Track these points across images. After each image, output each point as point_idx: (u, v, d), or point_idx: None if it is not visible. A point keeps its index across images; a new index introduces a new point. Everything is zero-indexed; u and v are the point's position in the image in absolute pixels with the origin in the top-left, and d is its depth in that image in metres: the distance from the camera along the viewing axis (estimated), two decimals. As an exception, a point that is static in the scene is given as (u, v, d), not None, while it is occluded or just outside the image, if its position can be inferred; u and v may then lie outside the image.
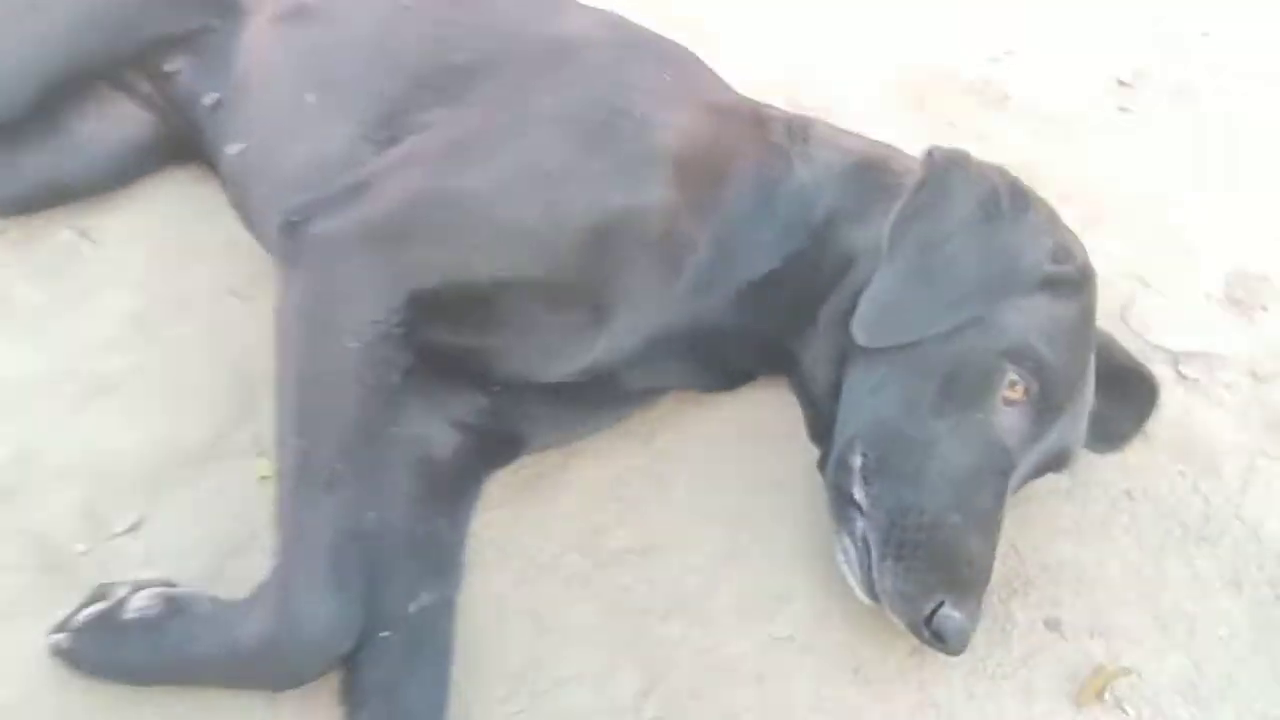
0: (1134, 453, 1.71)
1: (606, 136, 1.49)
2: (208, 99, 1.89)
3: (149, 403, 1.68)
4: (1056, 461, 1.55)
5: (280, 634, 1.27)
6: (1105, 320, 1.81)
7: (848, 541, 1.46)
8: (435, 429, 1.57)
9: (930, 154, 1.54)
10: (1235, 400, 1.85)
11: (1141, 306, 2.00)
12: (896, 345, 1.46)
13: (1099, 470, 1.69)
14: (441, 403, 1.59)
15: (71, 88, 1.89)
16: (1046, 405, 1.45)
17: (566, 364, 1.55)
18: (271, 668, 1.30)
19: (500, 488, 1.64)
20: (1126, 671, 1.45)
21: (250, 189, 1.81)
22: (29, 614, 1.37)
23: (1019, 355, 1.43)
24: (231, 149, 1.83)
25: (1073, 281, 1.49)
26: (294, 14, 1.82)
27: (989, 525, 1.40)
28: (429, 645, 1.39)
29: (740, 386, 1.79)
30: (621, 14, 1.79)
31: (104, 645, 1.33)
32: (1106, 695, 1.43)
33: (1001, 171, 1.54)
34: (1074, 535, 1.61)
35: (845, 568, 1.46)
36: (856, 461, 1.47)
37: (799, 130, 1.63)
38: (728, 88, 1.80)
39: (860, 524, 1.44)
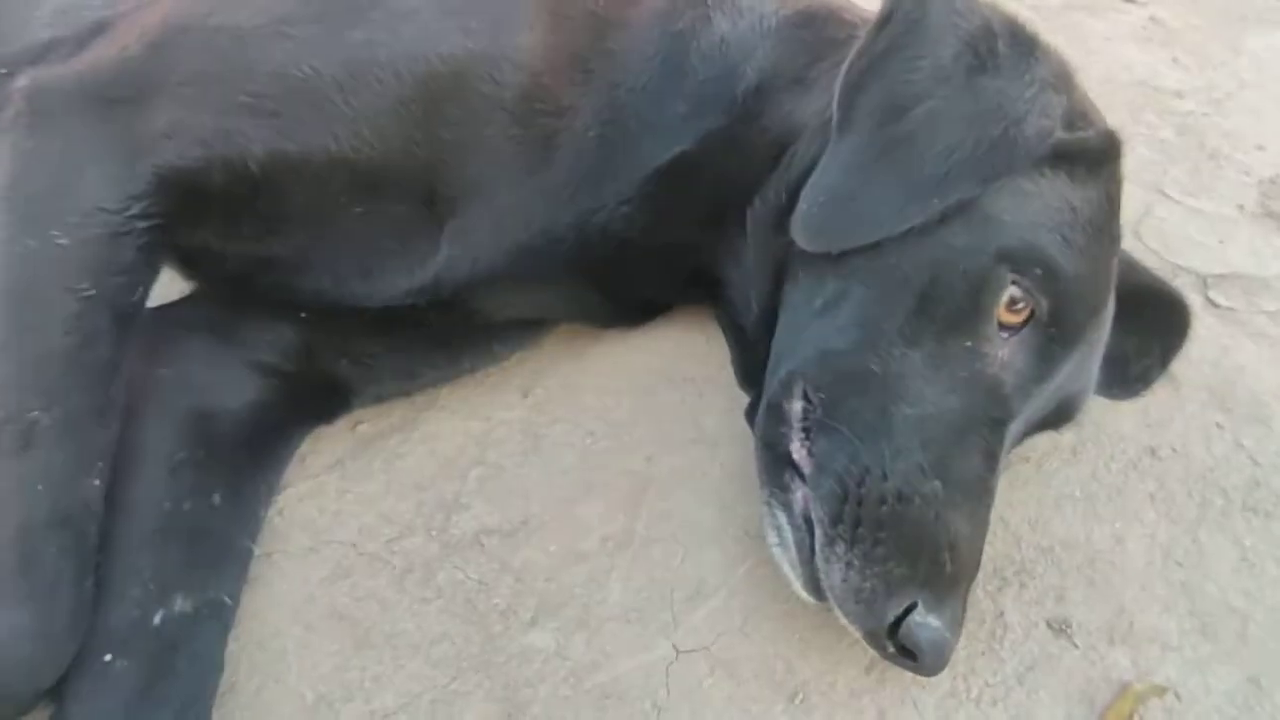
0: (1157, 399, 1.38)
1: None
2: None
3: None
4: (1062, 412, 1.17)
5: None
6: (1117, 235, 1.43)
7: (782, 519, 1.08)
8: (219, 371, 1.16)
9: (896, -16, 1.12)
10: (1282, 334, 1.46)
11: (1160, 219, 1.61)
12: (852, 249, 1.08)
13: (1113, 421, 1.36)
14: (229, 335, 1.18)
15: None
16: (1058, 331, 1.07)
17: (395, 282, 1.14)
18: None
19: (320, 453, 1.25)
20: (1160, 690, 1.08)
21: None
22: None
23: (1022, 259, 1.04)
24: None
25: (1094, 154, 1.10)
26: None
27: (978, 496, 1.03)
28: (179, 670, 0.98)
29: (648, 321, 1.39)
30: None
31: None
32: (1134, 724, 1.04)
33: (995, 6, 1.13)
34: (1083, 507, 1.26)
35: (779, 554, 1.09)
36: (795, 408, 1.09)
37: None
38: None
39: (800, 495, 1.07)
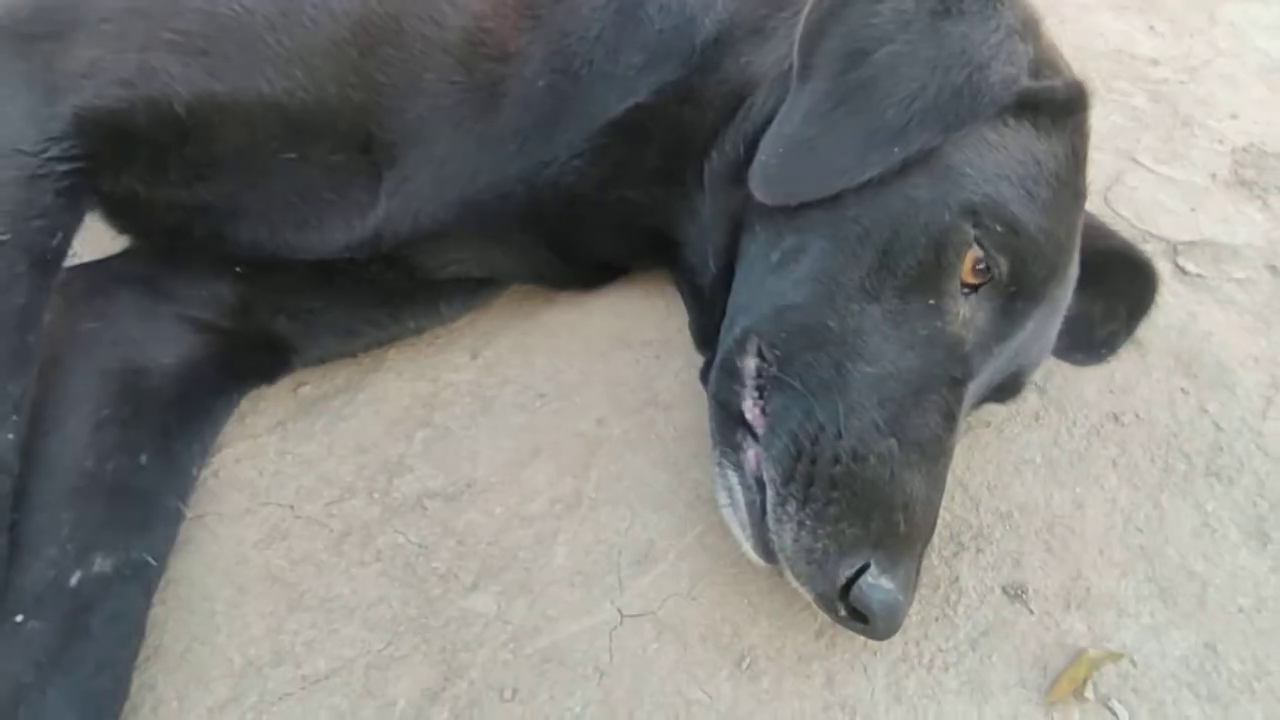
0: (1122, 365, 1.36)
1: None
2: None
3: None
4: (1016, 378, 1.13)
5: None
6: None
7: (734, 479, 1.05)
8: (151, 326, 1.12)
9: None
10: (1250, 300, 1.44)
11: (1130, 186, 1.58)
12: (811, 202, 1.04)
13: (1076, 387, 1.34)
14: (163, 290, 1.13)
15: None
16: (1020, 289, 1.04)
17: (332, 234, 1.10)
18: None
19: (262, 413, 1.22)
20: (1115, 656, 1.05)
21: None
22: None
23: (985, 214, 1.01)
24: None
25: (1060, 104, 1.06)
26: None
27: (935, 456, 1.00)
28: (95, 632, 0.94)
29: (604, 284, 1.35)
30: None
31: None
32: (1089, 690, 1.02)
33: (958, -50, 1.09)
34: (1043, 472, 1.24)
35: (730, 515, 1.06)
36: (750, 365, 1.05)
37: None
38: None
39: (752, 454, 1.04)
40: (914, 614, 1.06)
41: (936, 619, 1.07)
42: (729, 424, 1.06)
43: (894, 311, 1.00)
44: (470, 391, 1.26)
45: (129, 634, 0.96)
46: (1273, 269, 1.48)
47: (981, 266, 1.02)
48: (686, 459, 1.19)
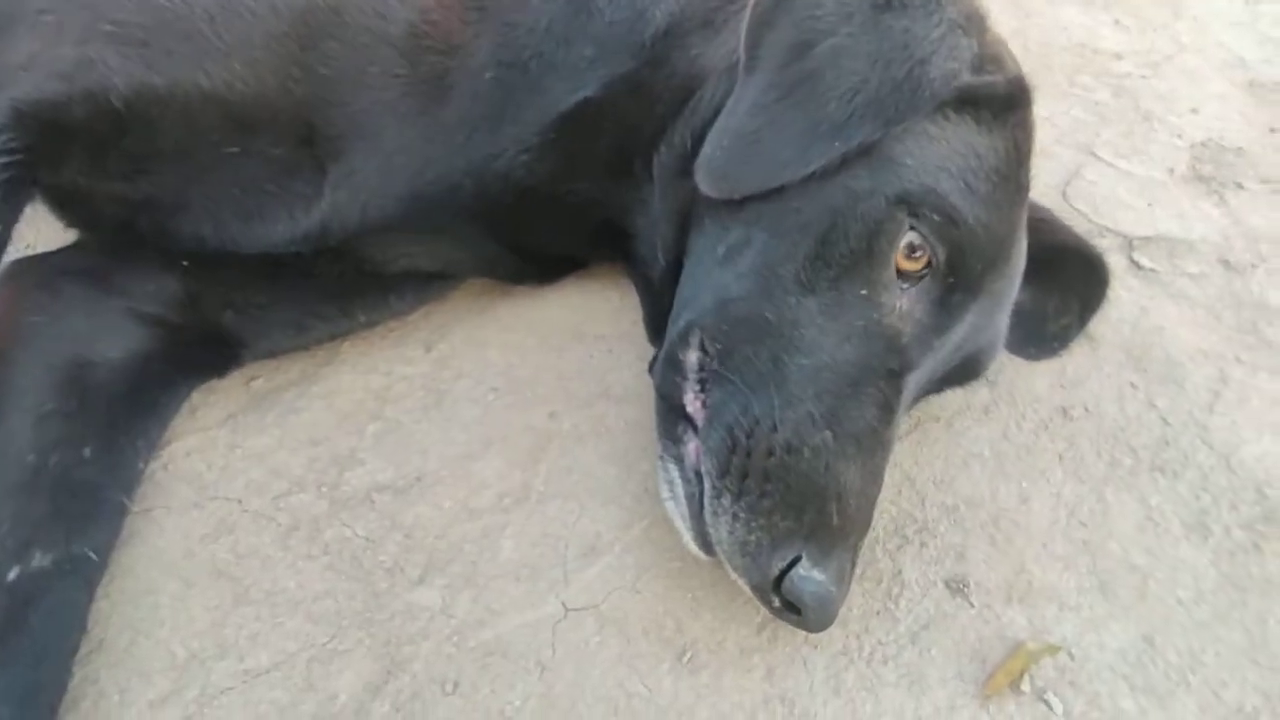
0: (1074, 359, 1.37)
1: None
2: None
3: None
4: (967, 368, 1.14)
5: None
6: (1042, 195, 1.41)
7: (675, 471, 1.05)
8: (97, 320, 1.11)
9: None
10: (1202, 295, 1.45)
11: (1089, 180, 1.58)
12: (756, 195, 1.04)
13: (1027, 381, 1.35)
14: (109, 284, 1.13)
15: None
16: (958, 281, 1.04)
17: (276, 227, 1.10)
18: None
19: (212, 406, 1.22)
20: (1053, 649, 1.06)
21: None
22: None
23: (921, 203, 1.01)
24: None
25: (1001, 100, 1.06)
26: None
27: (871, 449, 1.00)
28: (33, 627, 0.94)
29: (559, 278, 1.35)
30: None
31: None
32: (1025, 683, 1.03)
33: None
34: (991, 466, 1.24)
35: (672, 508, 1.07)
36: (692, 359, 1.06)
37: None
38: None
39: (692, 447, 1.04)
40: (855, 607, 1.07)
41: (878, 613, 1.08)
42: (671, 417, 1.06)
43: (830, 303, 1.01)
44: (423, 385, 1.26)
45: (68, 628, 0.96)
46: (1225, 264, 1.49)
47: (918, 255, 1.02)
48: (636, 452, 1.20)
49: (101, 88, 0.97)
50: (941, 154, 1.03)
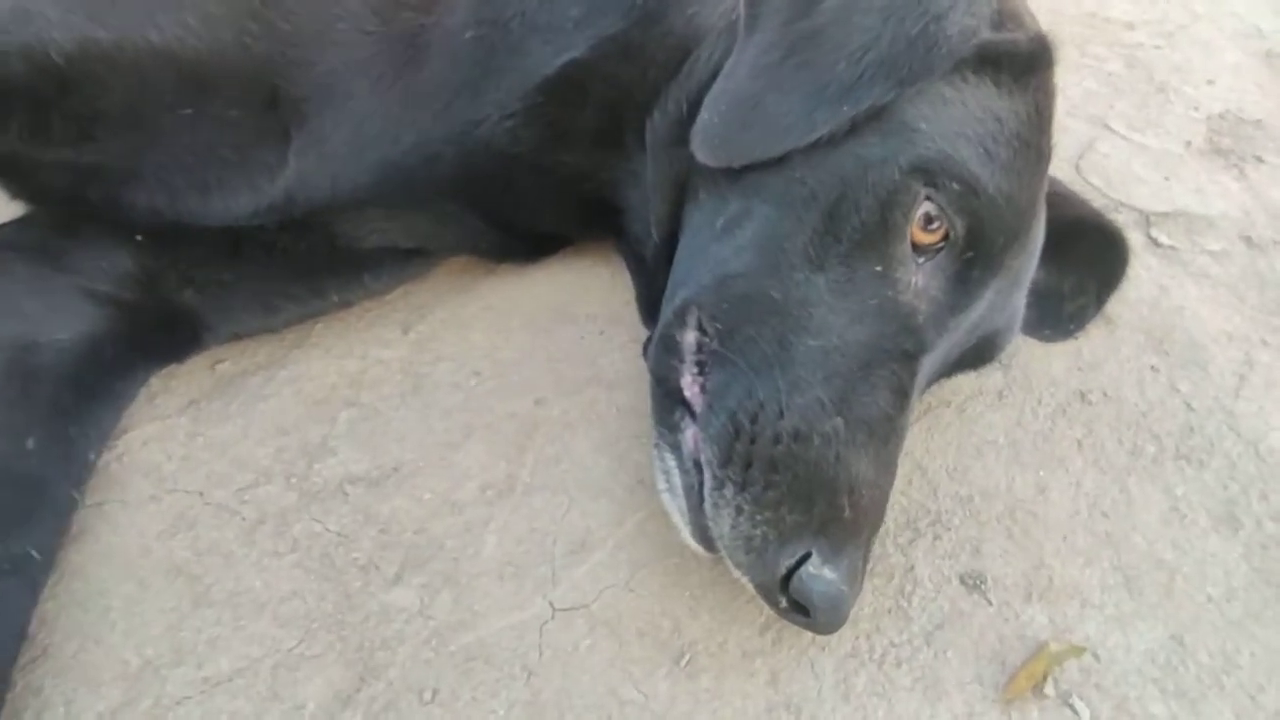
0: (1091, 341, 1.29)
1: None
2: None
3: None
4: (983, 350, 1.07)
5: None
6: (1055, 169, 1.33)
7: (671, 461, 0.98)
8: (46, 298, 1.03)
9: None
10: (1224, 273, 1.38)
11: (1102, 153, 1.51)
12: (756, 164, 0.96)
13: (1042, 364, 1.27)
14: (59, 260, 1.04)
15: None
16: (977, 255, 0.96)
17: (236, 199, 1.01)
18: None
19: (173, 392, 1.14)
20: (1078, 650, 0.99)
21: None
22: None
23: (939, 172, 0.93)
24: None
25: (1023, 59, 0.99)
26: None
27: (884, 437, 0.93)
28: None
29: (546, 255, 1.27)
30: None
31: None
32: (1049, 687, 0.96)
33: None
34: (1006, 454, 1.17)
35: (669, 501, 0.99)
36: (689, 339, 0.98)
37: None
38: None
39: (690, 434, 0.96)
40: (866, 606, 1.00)
41: (890, 611, 1.01)
42: (667, 402, 0.99)
43: (840, 280, 0.93)
44: (401, 369, 1.18)
45: (10, 635, 0.88)
46: (1248, 241, 1.42)
47: (935, 226, 0.94)
48: (629, 441, 1.12)
49: (40, 41, 0.88)
50: (959, 118, 0.95)
